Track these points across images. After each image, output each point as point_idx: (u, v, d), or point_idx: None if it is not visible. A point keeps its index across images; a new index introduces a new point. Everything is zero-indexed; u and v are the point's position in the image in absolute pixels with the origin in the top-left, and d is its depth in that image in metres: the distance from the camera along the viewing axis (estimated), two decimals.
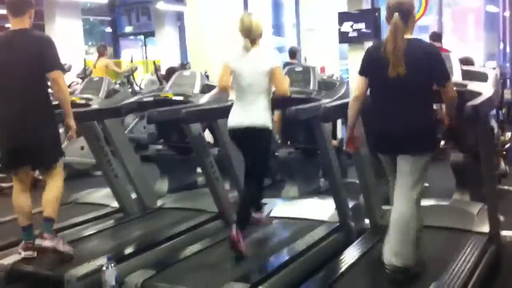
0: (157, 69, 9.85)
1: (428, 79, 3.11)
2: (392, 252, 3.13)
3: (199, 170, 5.85)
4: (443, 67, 3.14)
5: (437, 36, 7.74)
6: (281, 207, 4.64)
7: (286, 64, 6.74)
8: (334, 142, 4.90)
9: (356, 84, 3.34)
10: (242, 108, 3.88)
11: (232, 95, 4.03)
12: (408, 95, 3.11)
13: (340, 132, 6.29)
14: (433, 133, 3.27)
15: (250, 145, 3.90)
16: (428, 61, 3.09)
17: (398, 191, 3.21)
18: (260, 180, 4.02)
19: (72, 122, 3.87)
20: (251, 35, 3.84)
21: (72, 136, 3.94)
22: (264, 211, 4.48)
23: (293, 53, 9.78)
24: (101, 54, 9.62)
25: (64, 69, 4.18)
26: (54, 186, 3.89)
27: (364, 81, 3.25)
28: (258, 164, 3.98)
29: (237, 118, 3.89)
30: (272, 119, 3.98)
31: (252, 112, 3.83)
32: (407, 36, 3.13)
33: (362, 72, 3.28)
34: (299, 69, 5.25)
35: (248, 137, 3.86)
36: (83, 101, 5.20)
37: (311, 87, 4.95)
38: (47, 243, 3.63)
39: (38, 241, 3.68)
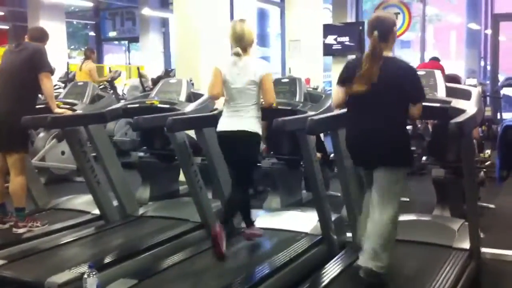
0: (141, 76, 9.79)
1: (402, 96, 3.19)
2: (368, 256, 3.21)
3: (181, 178, 5.83)
4: (419, 87, 3.25)
5: (436, 58, 10.00)
6: (263, 218, 4.61)
7: None
8: (318, 155, 4.91)
9: (335, 94, 3.45)
10: (232, 114, 3.88)
11: (219, 103, 4.01)
12: (381, 110, 3.19)
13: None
14: (408, 148, 3.35)
15: (238, 150, 3.87)
16: (405, 80, 3.17)
17: (375, 204, 3.26)
18: (247, 186, 4.02)
19: (56, 111, 4.73)
20: (242, 43, 3.83)
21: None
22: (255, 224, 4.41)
23: None
24: (87, 57, 9.51)
25: (51, 71, 4.75)
26: (17, 179, 4.60)
27: (342, 91, 3.35)
28: (245, 170, 3.97)
29: (227, 123, 3.89)
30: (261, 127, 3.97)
31: (242, 118, 3.84)
32: (386, 53, 3.19)
33: (339, 82, 3.40)
34: (285, 80, 5.26)
35: (237, 141, 3.85)
36: (66, 106, 5.13)
37: (297, 98, 4.95)
38: (21, 230, 4.52)
39: (14, 230, 4.53)
